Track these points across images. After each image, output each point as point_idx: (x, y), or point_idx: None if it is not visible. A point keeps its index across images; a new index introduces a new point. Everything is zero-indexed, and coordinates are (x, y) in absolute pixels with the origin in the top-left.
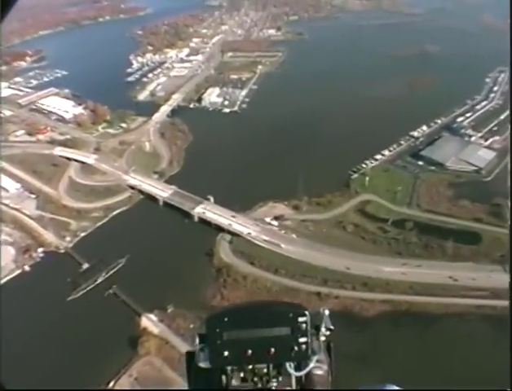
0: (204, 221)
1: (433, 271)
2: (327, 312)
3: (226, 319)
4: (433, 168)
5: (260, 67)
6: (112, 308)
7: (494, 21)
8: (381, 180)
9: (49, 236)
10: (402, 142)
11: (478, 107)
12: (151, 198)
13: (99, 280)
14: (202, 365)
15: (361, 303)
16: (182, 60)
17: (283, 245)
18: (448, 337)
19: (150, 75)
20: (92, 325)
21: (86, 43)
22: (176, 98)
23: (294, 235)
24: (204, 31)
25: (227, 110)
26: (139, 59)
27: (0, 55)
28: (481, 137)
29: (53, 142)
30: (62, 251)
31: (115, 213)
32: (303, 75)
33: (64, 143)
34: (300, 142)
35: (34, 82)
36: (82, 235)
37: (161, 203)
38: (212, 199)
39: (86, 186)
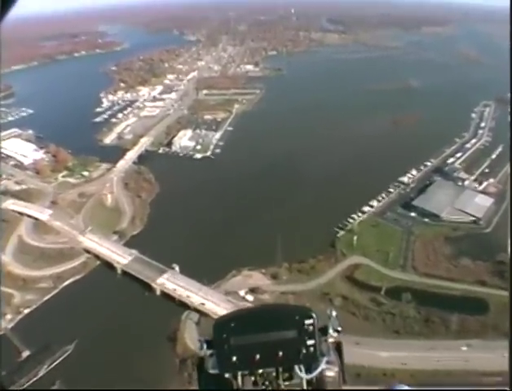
0: (167, 296)
1: (436, 354)
2: (334, 313)
3: (232, 324)
4: (427, 220)
5: (236, 106)
6: None
7: (469, 52)
8: (371, 238)
9: None
10: (391, 189)
11: (467, 145)
12: (108, 265)
13: (41, 373)
14: (212, 371)
15: None
16: (154, 99)
17: None
18: None
19: (119, 115)
20: None
21: (58, 79)
22: (144, 142)
23: None
24: (179, 67)
25: (198, 155)
26: (110, 97)
27: None
28: (475, 180)
29: (6, 194)
30: (0, 333)
31: (66, 283)
32: (281, 115)
33: (18, 194)
34: (278, 193)
35: None
36: (26, 311)
37: (119, 271)
38: (177, 268)
39: (36, 249)
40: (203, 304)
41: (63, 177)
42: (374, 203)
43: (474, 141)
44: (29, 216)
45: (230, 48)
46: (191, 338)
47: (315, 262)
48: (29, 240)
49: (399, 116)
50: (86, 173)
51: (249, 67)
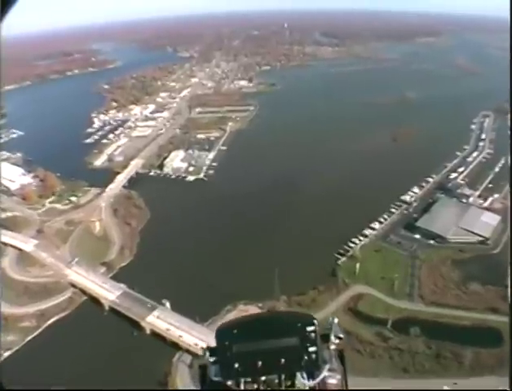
0: (157, 335)
1: None
2: (336, 320)
3: (235, 332)
4: (432, 242)
5: (230, 124)
6: None
7: (465, 63)
8: (374, 264)
9: None
10: (393, 209)
11: (469, 159)
12: (95, 300)
13: None
14: (214, 378)
15: None
16: (146, 118)
17: None
18: None
19: (110, 136)
20: None
21: (50, 99)
22: (135, 165)
23: None
24: (172, 84)
25: (191, 178)
26: (102, 116)
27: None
28: (479, 196)
29: None
30: None
31: (50, 321)
32: (276, 132)
33: (3, 223)
34: (275, 217)
35: None
36: (7, 354)
37: (106, 308)
38: (168, 304)
39: (19, 284)
40: (196, 344)
41: (50, 203)
42: (376, 225)
43: (475, 154)
44: (14, 246)
45: (223, 64)
46: (183, 382)
47: (316, 294)
48: (13, 274)
49: (397, 129)
50: (74, 199)
51: (243, 82)
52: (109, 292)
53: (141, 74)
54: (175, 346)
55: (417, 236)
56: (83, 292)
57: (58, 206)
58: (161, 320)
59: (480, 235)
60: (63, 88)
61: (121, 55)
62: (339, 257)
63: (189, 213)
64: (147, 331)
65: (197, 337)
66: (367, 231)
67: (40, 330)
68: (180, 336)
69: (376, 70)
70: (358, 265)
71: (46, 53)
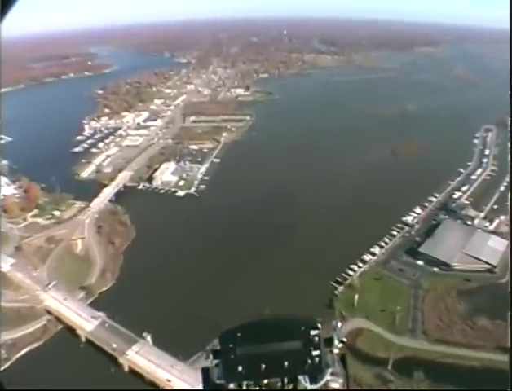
0: (136, 373)
1: None
2: (339, 324)
3: (239, 334)
4: (436, 269)
5: (225, 134)
6: None
7: (465, 74)
8: (374, 294)
9: None
10: (394, 232)
11: (473, 176)
12: (71, 330)
13: None
14: (218, 381)
15: None
16: (138, 126)
17: None
18: None
19: (100, 144)
20: None
21: (43, 104)
22: (123, 177)
23: None
24: (167, 91)
25: (181, 193)
26: (93, 123)
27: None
28: (484, 217)
29: None
30: None
31: (21, 353)
32: (272, 144)
33: None
34: (268, 239)
35: None
36: None
37: (83, 339)
38: (149, 337)
39: None
40: (176, 385)
41: (32, 217)
42: (376, 249)
43: (479, 171)
44: None
45: (220, 70)
46: None
47: None
48: None
49: (397, 144)
50: (57, 213)
51: (240, 91)
52: (87, 322)
53: (136, 80)
54: (155, 386)
55: (420, 263)
56: (59, 320)
57: (40, 221)
58: (141, 356)
59: (487, 263)
60: (56, 92)
61: (118, 60)
62: (336, 285)
63: (177, 232)
64: (126, 368)
65: (179, 378)
66: (366, 256)
67: (10, 362)
68: (160, 376)
69: (375, 80)
70: (356, 296)
71: (43, 55)
